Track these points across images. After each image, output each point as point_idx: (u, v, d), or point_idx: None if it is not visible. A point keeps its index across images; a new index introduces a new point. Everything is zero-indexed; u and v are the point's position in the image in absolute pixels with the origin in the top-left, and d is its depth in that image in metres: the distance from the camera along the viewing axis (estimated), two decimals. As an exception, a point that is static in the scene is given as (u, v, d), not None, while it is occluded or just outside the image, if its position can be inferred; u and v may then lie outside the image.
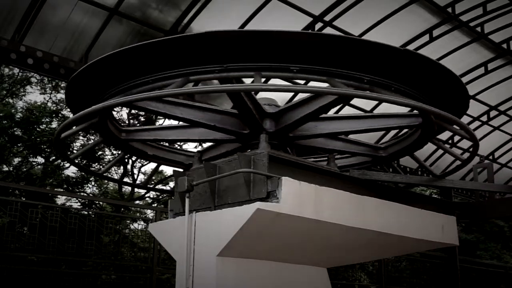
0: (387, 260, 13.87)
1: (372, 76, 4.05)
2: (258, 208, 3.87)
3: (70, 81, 4.41)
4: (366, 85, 4.03)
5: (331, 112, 5.71)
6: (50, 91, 18.51)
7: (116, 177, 18.52)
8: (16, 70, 17.35)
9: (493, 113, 14.98)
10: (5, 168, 17.42)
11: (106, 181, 19.04)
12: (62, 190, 17.11)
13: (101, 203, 18.03)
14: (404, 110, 12.52)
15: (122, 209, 17.02)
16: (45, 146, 16.81)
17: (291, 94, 11.38)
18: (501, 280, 17.03)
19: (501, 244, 21.24)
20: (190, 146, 17.51)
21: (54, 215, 9.04)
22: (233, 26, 9.90)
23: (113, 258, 11.42)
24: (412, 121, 4.92)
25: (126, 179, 18.80)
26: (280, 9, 10.03)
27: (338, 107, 11.98)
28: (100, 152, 18.14)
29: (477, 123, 14.89)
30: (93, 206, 17.80)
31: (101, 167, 18.59)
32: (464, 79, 12.48)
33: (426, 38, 11.72)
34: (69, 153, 13.08)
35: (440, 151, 14.45)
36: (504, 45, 12.63)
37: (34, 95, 23.04)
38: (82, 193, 18.13)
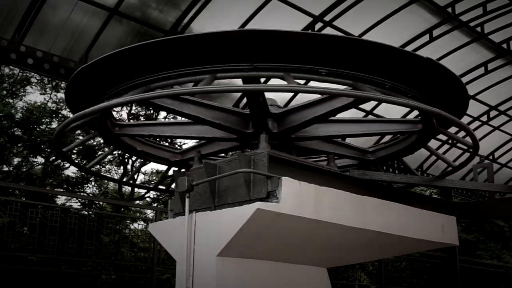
0: (387, 260, 13.87)
1: (394, 82, 4.11)
2: (258, 208, 3.87)
3: (78, 73, 4.28)
4: (387, 91, 4.08)
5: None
6: (50, 91, 18.51)
7: (116, 177, 18.51)
8: (16, 70, 17.35)
9: (493, 113, 14.97)
10: (5, 168, 17.42)
11: (106, 181, 19.04)
12: (62, 190, 17.09)
13: (101, 203, 18.03)
14: (403, 111, 12.54)
15: (122, 209, 17.01)
16: (45, 146, 16.80)
17: (290, 94, 11.39)
18: (501, 280, 17.03)
19: (501, 244, 21.23)
20: (190, 144, 17.47)
21: (54, 215, 9.04)
22: (233, 26, 9.89)
23: (113, 258, 11.42)
24: (411, 127, 5.00)
25: (126, 179, 18.76)
26: (280, 9, 10.03)
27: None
28: (100, 152, 18.13)
29: (477, 123, 14.89)
30: (93, 206, 17.79)
31: (100, 167, 18.59)
32: (464, 79, 12.48)
33: (426, 38, 11.72)
34: (69, 153, 13.08)
35: (440, 152, 14.45)
36: (504, 45, 12.63)
37: (34, 95, 23.05)
38: (82, 193, 18.12)
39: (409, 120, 5.18)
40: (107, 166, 19.26)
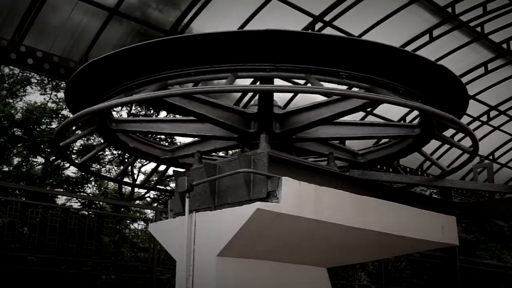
0: (387, 260, 13.87)
1: (407, 87, 4.17)
2: (258, 208, 3.87)
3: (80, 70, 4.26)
4: (402, 95, 4.12)
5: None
6: (50, 91, 18.51)
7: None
8: (16, 70, 17.35)
9: (493, 113, 14.98)
10: (5, 168, 17.42)
11: (106, 181, 19.04)
12: (62, 190, 17.09)
13: (101, 203, 18.03)
14: (402, 111, 12.53)
15: (122, 209, 17.01)
16: (45, 146, 16.80)
17: (289, 95, 11.39)
18: (501, 280, 17.03)
19: (501, 244, 21.22)
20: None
21: (54, 215, 9.03)
22: (233, 26, 9.90)
23: (113, 258, 11.42)
24: (408, 132, 5.08)
25: (126, 179, 18.79)
26: (280, 9, 10.03)
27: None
28: (100, 152, 18.13)
29: (477, 123, 14.89)
30: (93, 206, 17.79)
31: (101, 167, 18.60)
32: (464, 79, 12.49)
33: (426, 38, 11.73)
34: (68, 152, 13.09)
35: (440, 152, 14.46)
36: (504, 45, 12.63)
37: (34, 96, 23.02)
38: (82, 193, 18.12)
39: (408, 125, 5.25)
40: (107, 166, 19.27)
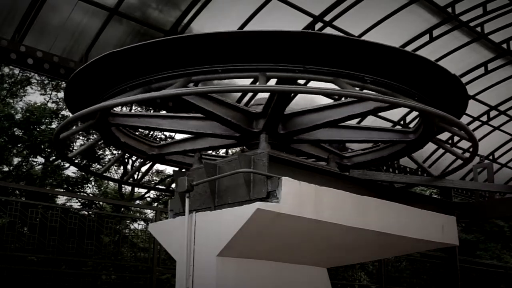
0: (387, 260, 13.87)
1: (419, 93, 4.21)
2: (258, 208, 3.87)
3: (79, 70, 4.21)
4: (416, 100, 4.16)
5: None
6: (50, 91, 18.51)
7: (116, 177, 18.52)
8: (16, 71, 17.35)
9: (493, 113, 14.98)
10: (5, 168, 17.42)
11: (106, 181, 19.05)
12: (62, 190, 17.10)
13: (101, 203, 18.03)
14: (402, 111, 12.48)
15: (122, 209, 17.03)
16: (45, 146, 16.81)
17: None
18: (501, 280, 17.03)
19: (501, 244, 21.23)
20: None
21: (54, 215, 9.04)
22: (233, 26, 9.90)
23: (113, 258, 11.43)
24: (403, 137, 5.14)
25: (126, 178, 18.76)
26: (280, 9, 10.03)
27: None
28: (100, 152, 18.14)
29: (477, 123, 14.89)
30: (93, 206, 17.80)
31: (100, 167, 18.58)
32: (464, 79, 12.49)
33: (426, 38, 11.72)
34: (68, 152, 13.09)
35: (440, 152, 14.46)
36: (504, 45, 12.63)
37: (34, 96, 23.01)
38: (82, 193, 18.13)
39: (403, 130, 5.36)
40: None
